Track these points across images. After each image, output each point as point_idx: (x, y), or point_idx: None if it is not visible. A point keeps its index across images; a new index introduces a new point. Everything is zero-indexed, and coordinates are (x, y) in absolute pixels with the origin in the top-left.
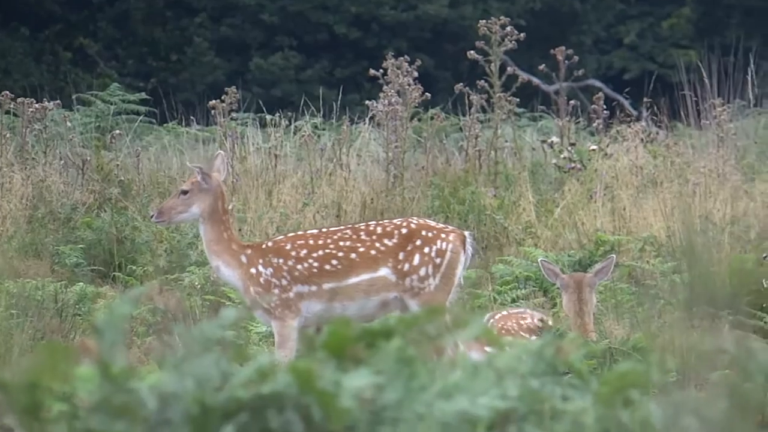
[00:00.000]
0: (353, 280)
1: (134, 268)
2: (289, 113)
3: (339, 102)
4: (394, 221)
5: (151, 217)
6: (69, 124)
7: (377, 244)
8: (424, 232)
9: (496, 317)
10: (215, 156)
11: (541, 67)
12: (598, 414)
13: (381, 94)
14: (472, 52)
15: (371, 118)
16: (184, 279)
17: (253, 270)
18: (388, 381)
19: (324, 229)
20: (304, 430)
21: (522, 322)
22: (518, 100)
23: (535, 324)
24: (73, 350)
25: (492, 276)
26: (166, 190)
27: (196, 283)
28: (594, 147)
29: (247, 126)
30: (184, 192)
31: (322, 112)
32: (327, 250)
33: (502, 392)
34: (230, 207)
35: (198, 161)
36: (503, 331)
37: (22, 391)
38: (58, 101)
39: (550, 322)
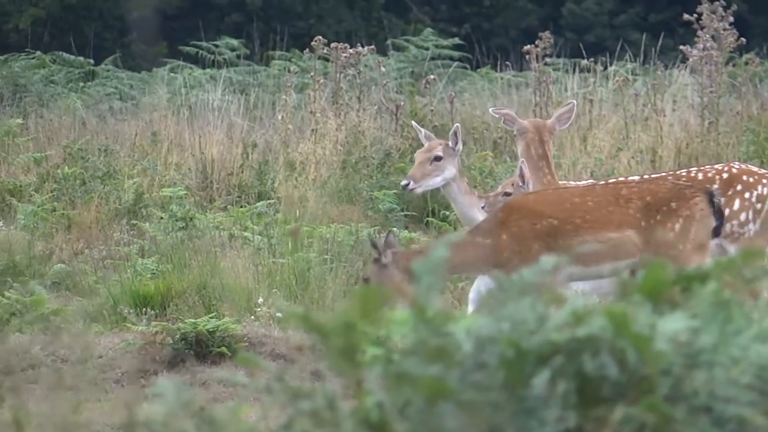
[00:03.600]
0: None
1: (447, 213)
2: (603, 58)
3: (658, 47)
4: (716, 167)
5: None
6: (383, 69)
7: None
8: (745, 177)
9: None
10: (566, 103)
11: None
12: None
13: (695, 39)
14: None
15: (685, 63)
16: None
17: None
18: (704, 324)
19: (645, 176)
20: (619, 373)
21: None
22: None
23: None
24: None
25: None
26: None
27: None
28: None
29: (560, 71)
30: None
31: (641, 58)
32: None
33: None
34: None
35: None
36: None
37: (339, 334)
38: (372, 46)
39: None
